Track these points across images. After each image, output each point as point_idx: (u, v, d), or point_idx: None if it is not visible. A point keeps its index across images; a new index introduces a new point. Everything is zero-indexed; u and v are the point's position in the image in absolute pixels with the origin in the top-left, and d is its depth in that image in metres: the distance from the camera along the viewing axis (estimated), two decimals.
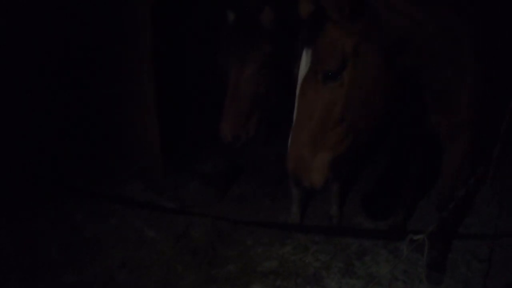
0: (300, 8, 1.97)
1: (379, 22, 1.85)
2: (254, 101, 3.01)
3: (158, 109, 4.38)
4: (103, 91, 4.69)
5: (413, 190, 3.92)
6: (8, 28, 4.13)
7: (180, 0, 5.21)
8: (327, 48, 1.82)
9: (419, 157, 3.63)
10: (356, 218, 4.19)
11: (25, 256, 3.48)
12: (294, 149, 1.95)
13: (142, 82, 4.29)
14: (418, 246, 3.58)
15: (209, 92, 6.56)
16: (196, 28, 6.44)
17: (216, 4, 3.77)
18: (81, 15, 4.44)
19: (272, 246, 3.80)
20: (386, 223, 4.01)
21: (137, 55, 4.24)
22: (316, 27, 1.86)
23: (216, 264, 3.59)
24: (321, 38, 1.83)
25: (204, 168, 4.91)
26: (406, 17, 1.96)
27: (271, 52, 2.98)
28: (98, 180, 4.37)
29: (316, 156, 1.90)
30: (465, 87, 2.66)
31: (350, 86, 1.83)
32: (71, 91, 4.61)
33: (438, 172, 3.27)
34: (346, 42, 1.80)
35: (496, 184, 4.51)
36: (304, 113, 1.90)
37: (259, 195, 4.67)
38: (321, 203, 4.38)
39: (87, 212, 3.97)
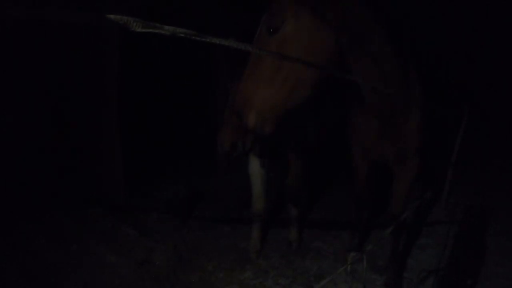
0: None
1: None
2: None
3: (122, 136, 4.42)
4: (70, 119, 4.68)
5: (368, 213, 4.11)
6: None
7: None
8: (273, 11, 2.06)
9: (372, 182, 3.83)
10: (315, 242, 4.33)
11: None
12: (242, 90, 2.11)
13: (109, 112, 4.34)
14: (376, 267, 3.80)
15: (172, 120, 6.71)
16: (164, 63, 6.61)
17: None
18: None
19: (233, 272, 3.85)
20: (344, 246, 4.18)
21: (105, 90, 4.33)
22: None
23: None
24: (272, 3, 2.08)
25: (166, 195, 4.93)
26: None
27: None
28: (60, 205, 4.30)
29: (257, 97, 2.06)
30: (412, 115, 2.89)
31: (285, 40, 2.02)
32: (40, 118, 4.57)
33: (389, 195, 3.46)
34: (287, 7, 2.03)
35: (449, 207, 4.85)
36: (254, 61, 2.09)
37: (220, 222, 4.74)
38: (281, 228, 4.50)
39: (48, 237, 3.89)
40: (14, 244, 3.78)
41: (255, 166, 3.92)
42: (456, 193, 5.29)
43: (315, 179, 5.49)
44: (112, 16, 0.79)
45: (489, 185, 5.69)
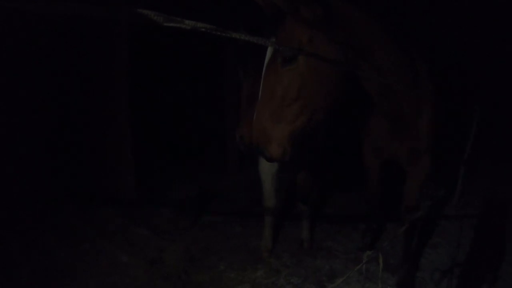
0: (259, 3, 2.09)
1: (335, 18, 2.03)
2: None
3: (133, 136, 4.43)
4: (81, 119, 4.69)
5: (379, 213, 4.09)
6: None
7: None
8: (285, 37, 2.01)
9: (384, 181, 3.80)
10: (326, 242, 4.30)
11: None
12: (257, 123, 2.09)
13: (119, 110, 4.34)
14: (388, 266, 3.77)
15: (181, 120, 6.72)
16: (172, 62, 6.60)
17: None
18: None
19: (245, 271, 3.84)
20: (355, 245, 4.15)
21: (115, 90, 4.34)
22: (278, 19, 2.05)
23: None
24: (281, 28, 2.03)
25: (177, 194, 4.93)
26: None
27: None
28: (70, 205, 4.31)
29: (275, 129, 2.05)
30: (423, 115, 2.86)
31: (303, 69, 1.99)
32: (49, 116, 4.58)
33: (401, 194, 3.43)
34: (302, 32, 1.99)
35: (461, 205, 4.80)
36: (267, 92, 2.07)
37: (231, 221, 4.73)
38: (292, 228, 4.48)
39: (59, 236, 3.90)
40: (25, 243, 3.79)
41: (266, 165, 3.89)
42: (468, 192, 5.24)
43: (326, 178, 5.47)
44: (132, 10, 0.78)
45: (501, 184, 5.62)
